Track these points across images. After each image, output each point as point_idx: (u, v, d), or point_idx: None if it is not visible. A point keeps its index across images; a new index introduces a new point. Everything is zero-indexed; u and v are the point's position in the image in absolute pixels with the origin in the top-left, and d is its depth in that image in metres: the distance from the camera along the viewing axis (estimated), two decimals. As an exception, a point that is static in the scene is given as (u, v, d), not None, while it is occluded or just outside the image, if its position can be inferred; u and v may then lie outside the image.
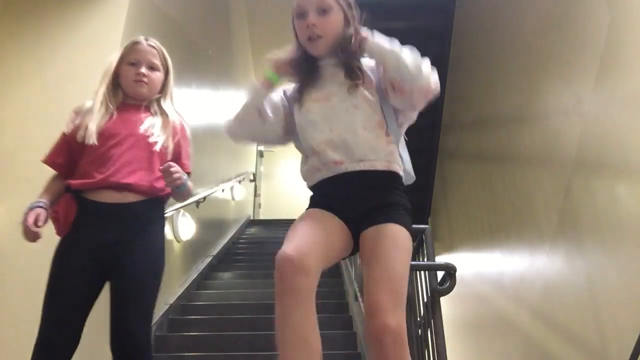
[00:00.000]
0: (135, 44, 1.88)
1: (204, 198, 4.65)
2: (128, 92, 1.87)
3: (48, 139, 2.72)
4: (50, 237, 2.49)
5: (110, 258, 1.72)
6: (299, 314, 1.21)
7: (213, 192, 5.13)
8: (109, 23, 2.91)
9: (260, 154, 10.30)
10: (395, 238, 1.34)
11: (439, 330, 2.30)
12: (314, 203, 1.50)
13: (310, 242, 1.31)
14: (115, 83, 1.87)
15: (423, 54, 1.51)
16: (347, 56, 1.48)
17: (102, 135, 1.78)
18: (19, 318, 2.37)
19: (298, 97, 1.54)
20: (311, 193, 1.55)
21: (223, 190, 5.87)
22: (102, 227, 1.75)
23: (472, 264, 4.73)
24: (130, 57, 1.86)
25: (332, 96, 1.49)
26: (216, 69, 5.74)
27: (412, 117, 1.58)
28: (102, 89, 1.84)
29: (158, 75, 1.90)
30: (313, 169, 1.50)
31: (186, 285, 4.21)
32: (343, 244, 1.43)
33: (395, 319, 1.19)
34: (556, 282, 2.98)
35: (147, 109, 1.88)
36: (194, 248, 4.52)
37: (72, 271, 1.74)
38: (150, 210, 1.83)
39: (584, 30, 2.74)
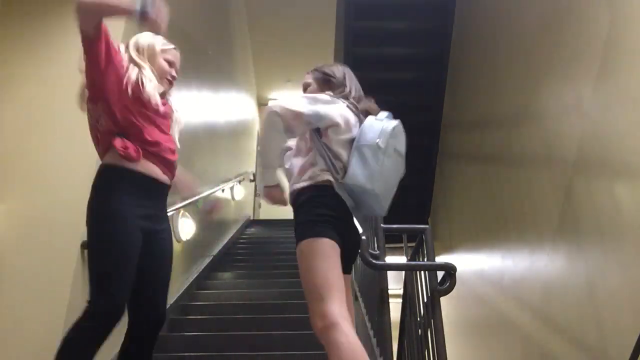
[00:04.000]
0: (171, 47, 2.08)
1: (204, 198, 4.65)
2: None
3: (48, 139, 2.73)
4: (50, 238, 2.49)
5: (147, 232, 1.81)
6: (352, 333, 1.54)
7: (213, 192, 5.13)
8: (109, 23, 2.91)
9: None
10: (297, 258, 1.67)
11: (439, 330, 2.29)
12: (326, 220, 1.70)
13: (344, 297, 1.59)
14: None
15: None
16: None
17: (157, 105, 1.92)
18: (19, 318, 2.37)
19: None
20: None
21: (223, 191, 5.87)
22: (148, 201, 1.85)
23: (472, 264, 4.73)
24: (168, 55, 2.03)
25: None
26: (216, 69, 5.74)
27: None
28: (148, 66, 1.94)
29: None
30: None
31: (186, 285, 4.21)
32: None
33: (312, 318, 1.55)
34: (556, 282, 2.98)
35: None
36: (194, 248, 4.52)
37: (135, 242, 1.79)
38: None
39: (584, 30, 2.74)
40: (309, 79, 1.99)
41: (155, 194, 1.89)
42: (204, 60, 5.09)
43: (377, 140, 1.73)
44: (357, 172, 1.70)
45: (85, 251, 2.49)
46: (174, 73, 2.04)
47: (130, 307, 1.78)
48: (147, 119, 1.87)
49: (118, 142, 1.79)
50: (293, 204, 1.84)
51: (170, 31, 1.91)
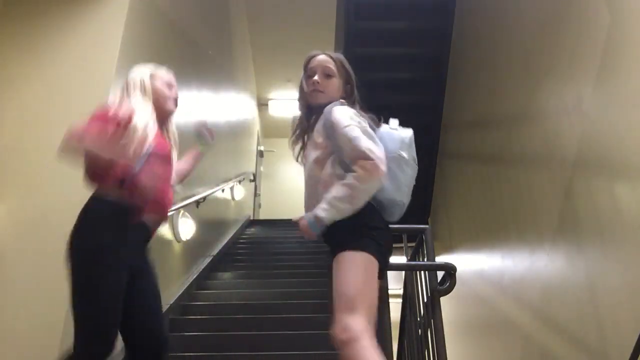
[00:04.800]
0: (162, 70, 2.07)
1: (204, 198, 4.65)
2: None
3: (48, 139, 2.73)
4: (49, 238, 2.49)
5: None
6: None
7: (213, 192, 5.13)
8: (109, 23, 2.92)
9: (261, 154, 10.30)
10: (337, 262, 1.61)
11: (439, 330, 2.30)
12: (378, 246, 1.67)
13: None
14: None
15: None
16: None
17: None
18: (19, 318, 2.37)
19: None
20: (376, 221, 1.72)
21: (223, 191, 5.87)
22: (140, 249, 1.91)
23: (472, 264, 4.73)
24: (161, 79, 2.03)
25: None
26: (216, 69, 5.74)
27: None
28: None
29: None
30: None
31: (186, 286, 4.21)
32: None
33: (336, 326, 1.51)
34: (556, 282, 2.98)
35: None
36: (194, 248, 4.52)
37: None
38: None
39: (584, 31, 2.74)
40: (332, 67, 1.83)
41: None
42: (204, 60, 5.09)
43: (400, 152, 1.74)
44: (386, 185, 1.69)
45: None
46: (175, 94, 2.04)
47: (134, 343, 1.79)
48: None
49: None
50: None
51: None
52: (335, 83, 1.83)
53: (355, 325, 1.48)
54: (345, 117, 1.68)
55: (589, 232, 2.63)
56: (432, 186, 6.44)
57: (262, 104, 10.05)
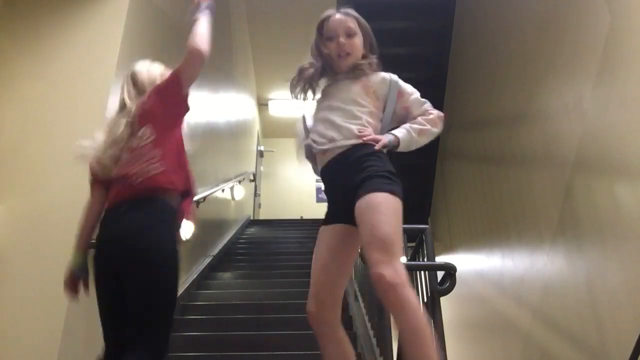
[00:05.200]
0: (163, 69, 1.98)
1: (204, 198, 4.64)
2: None
3: (48, 138, 2.73)
4: (49, 238, 2.49)
5: None
6: (331, 346, 1.58)
7: (213, 192, 5.13)
8: (109, 23, 2.91)
9: (261, 154, 10.30)
10: (372, 204, 1.48)
11: (439, 330, 2.29)
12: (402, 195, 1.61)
13: (322, 284, 1.58)
14: None
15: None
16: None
17: None
18: (18, 318, 2.37)
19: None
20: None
21: (223, 191, 5.87)
22: None
23: (472, 264, 4.73)
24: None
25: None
26: (216, 69, 5.74)
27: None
28: None
29: None
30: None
31: (186, 285, 4.20)
32: (351, 246, 1.63)
33: (387, 268, 1.37)
34: (556, 282, 2.98)
35: None
36: (194, 248, 4.52)
37: None
38: None
39: (584, 30, 2.74)
40: (353, 25, 1.77)
41: None
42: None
43: None
44: None
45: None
46: None
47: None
48: None
49: None
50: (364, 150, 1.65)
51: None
52: (358, 42, 1.77)
53: (403, 271, 1.40)
54: (410, 86, 1.81)
55: (589, 232, 2.63)
56: (432, 186, 6.43)
57: (262, 104, 10.04)
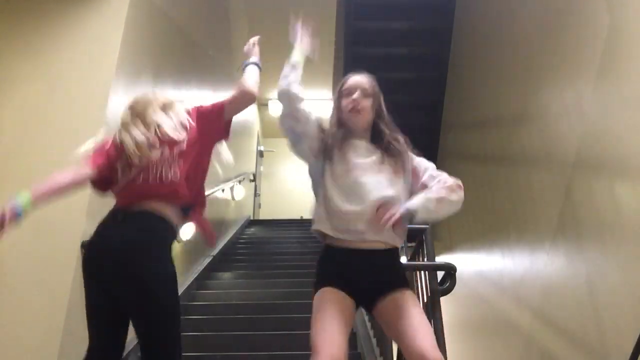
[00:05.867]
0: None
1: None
2: None
3: (49, 139, 2.73)
4: (50, 238, 2.49)
5: None
6: None
7: (213, 192, 5.13)
8: (109, 23, 2.91)
9: (260, 154, 10.30)
10: (411, 300, 1.61)
11: (439, 330, 2.29)
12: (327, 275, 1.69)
13: (337, 344, 1.52)
14: None
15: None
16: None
17: None
18: (18, 318, 2.37)
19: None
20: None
21: (223, 191, 5.87)
22: None
23: (472, 264, 4.73)
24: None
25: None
26: (216, 69, 5.74)
27: None
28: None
29: None
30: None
31: (186, 285, 4.21)
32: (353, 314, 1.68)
33: (440, 356, 1.43)
34: (556, 282, 2.98)
35: None
36: (194, 248, 4.52)
37: None
38: None
39: (584, 30, 2.74)
40: (368, 87, 1.87)
41: None
42: (204, 60, 5.09)
43: None
44: None
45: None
46: None
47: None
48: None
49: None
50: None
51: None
52: (369, 104, 1.83)
53: None
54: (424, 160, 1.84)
55: (589, 232, 2.63)
56: (432, 186, 6.42)
57: (262, 104, 10.04)
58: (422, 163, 1.83)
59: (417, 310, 1.58)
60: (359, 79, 1.88)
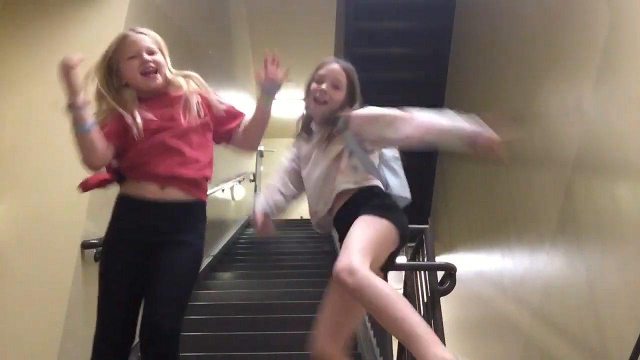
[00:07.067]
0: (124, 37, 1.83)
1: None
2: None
3: (48, 138, 2.73)
4: (50, 238, 2.49)
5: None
6: None
7: (213, 192, 5.13)
8: (109, 23, 2.91)
9: (260, 154, 10.28)
10: (358, 221, 1.57)
11: (439, 331, 2.30)
12: (403, 229, 1.73)
13: (327, 332, 1.66)
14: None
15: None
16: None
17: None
18: (18, 318, 2.37)
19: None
20: None
21: (223, 191, 5.87)
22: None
23: (472, 264, 4.73)
24: (129, 51, 1.80)
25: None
26: (216, 69, 5.74)
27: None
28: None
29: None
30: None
31: (186, 285, 4.20)
32: None
33: (343, 262, 1.39)
34: (556, 282, 2.98)
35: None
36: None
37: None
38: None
39: (584, 30, 2.74)
40: (342, 79, 1.82)
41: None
42: (204, 59, 5.09)
43: (395, 153, 1.95)
44: (396, 185, 1.88)
45: (87, 251, 2.50)
46: (145, 58, 1.78)
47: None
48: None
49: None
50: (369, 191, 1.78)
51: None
52: (340, 96, 1.81)
53: (360, 262, 1.39)
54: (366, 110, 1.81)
55: (589, 232, 2.63)
56: (432, 186, 6.43)
57: (262, 104, 10.01)
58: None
59: (358, 224, 1.55)
60: (333, 68, 1.83)
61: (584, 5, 2.76)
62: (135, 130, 1.69)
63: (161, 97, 1.81)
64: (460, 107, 5.81)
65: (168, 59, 1.90)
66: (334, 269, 1.40)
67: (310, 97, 1.84)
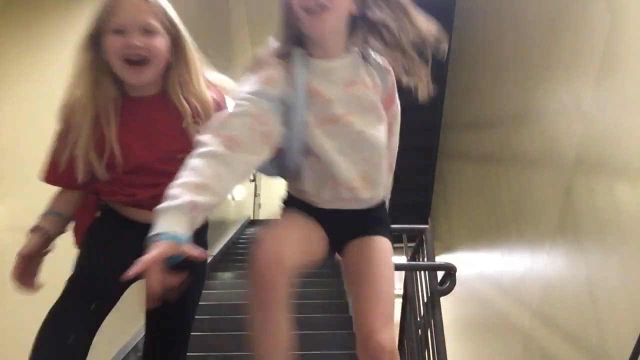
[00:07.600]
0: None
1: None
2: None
3: (47, 139, 2.72)
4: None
5: None
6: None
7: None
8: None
9: (260, 154, 10.27)
10: (383, 254, 1.26)
11: (439, 330, 2.30)
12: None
13: (289, 240, 1.21)
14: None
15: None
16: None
17: None
18: (19, 318, 2.37)
19: None
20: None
21: (223, 190, 5.86)
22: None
23: (472, 264, 4.73)
24: (114, 22, 1.25)
25: None
26: (216, 69, 5.74)
27: None
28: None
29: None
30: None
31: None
32: (322, 246, 1.32)
33: (389, 339, 1.14)
34: (556, 282, 2.98)
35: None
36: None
37: None
38: None
39: (584, 30, 2.74)
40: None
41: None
42: (204, 60, 5.09)
43: None
44: None
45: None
46: (131, 41, 1.23)
47: None
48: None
49: None
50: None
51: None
52: None
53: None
54: None
55: (589, 232, 2.63)
56: (432, 186, 6.43)
57: (262, 104, 10.02)
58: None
59: (384, 261, 1.25)
60: None
61: (583, 5, 2.76)
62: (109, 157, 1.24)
63: (154, 98, 1.33)
64: (460, 106, 5.83)
65: (191, 53, 1.36)
66: (378, 340, 1.10)
67: (293, 11, 1.19)
